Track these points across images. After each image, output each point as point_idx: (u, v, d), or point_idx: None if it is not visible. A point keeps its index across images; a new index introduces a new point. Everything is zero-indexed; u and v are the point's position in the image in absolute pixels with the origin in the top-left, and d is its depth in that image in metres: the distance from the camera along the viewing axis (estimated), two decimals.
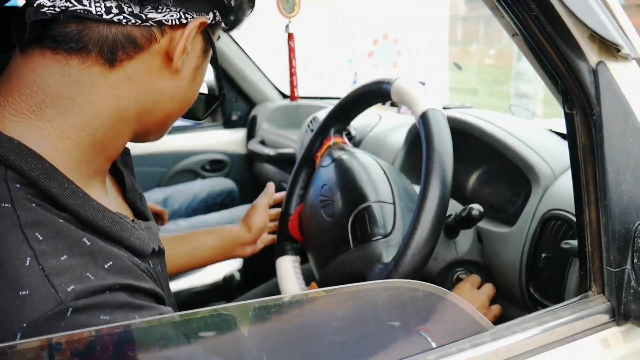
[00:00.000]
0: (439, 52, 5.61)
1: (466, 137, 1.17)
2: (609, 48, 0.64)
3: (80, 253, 0.49)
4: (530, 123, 1.21)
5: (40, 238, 0.48)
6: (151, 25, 0.55)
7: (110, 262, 0.51)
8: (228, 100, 2.25)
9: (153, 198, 1.93)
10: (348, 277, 0.91)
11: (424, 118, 0.89)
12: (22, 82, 0.54)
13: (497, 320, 0.91)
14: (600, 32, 0.61)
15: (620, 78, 0.66)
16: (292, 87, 1.19)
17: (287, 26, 1.14)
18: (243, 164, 2.28)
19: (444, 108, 1.33)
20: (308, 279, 1.15)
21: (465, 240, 1.02)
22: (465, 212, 0.92)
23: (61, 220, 0.50)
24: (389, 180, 1.00)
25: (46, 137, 0.53)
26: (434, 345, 0.70)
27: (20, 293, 0.45)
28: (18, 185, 0.50)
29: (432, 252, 0.82)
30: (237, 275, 1.48)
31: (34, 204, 0.50)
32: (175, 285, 1.43)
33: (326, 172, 1.09)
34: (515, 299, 0.98)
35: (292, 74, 1.18)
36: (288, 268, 1.15)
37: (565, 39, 0.62)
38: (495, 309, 0.94)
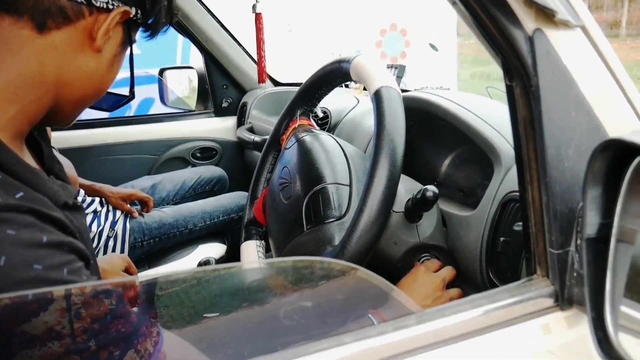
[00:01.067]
0: (447, 42, 5.53)
1: (440, 120, 1.14)
2: (548, 14, 0.60)
3: None
4: (502, 105, 1.17)
5: None
6: (81, 2, 0.60)
7: (22, 193, 0.53)
8: (218, 88, 2.23)
9: (141, 185, 1.92)
10: None
11: (377, 95, 0.86)
12: None
13: None
14: None
15: (561, 47, 0.61)
16: (260, 68, 1.15)
17: (254, 6, 1.11)
18: (234, 152, 2.26)
19: (420, 89, 1.30)
20: None
21: (428, 224, 0.99)
22: (420, 194, 0.88)
23: None
24: (348, 162, 0.97)
25: None
26: (376, 322, 0.68)
27: None
28: None
29: (381, 233, 0.79)
30: (213, 262, 1.46)
31: None
32: (150, 273, 1.42)
33: (288, 154, 1.07)
34: (478, 285, 0.95)
35: (260, 56, 1.15)
36: (252, 253, 1.13)
37: (497, 4, 0.58)
38: (453, 292, 0.91)
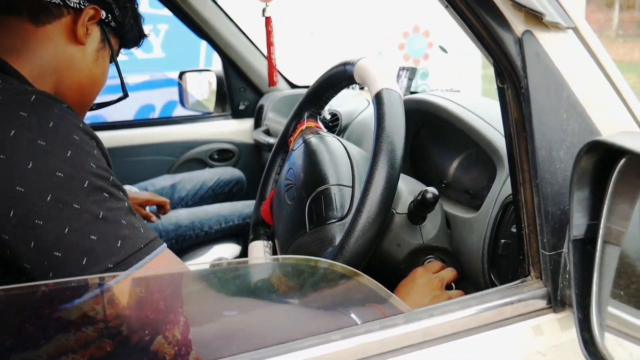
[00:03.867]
0: (471, 43, 5.47)
1: (449, 122, 1.14)
2: (537, 17, 0.60)
3: None
4: None
5: None
6: (58, 3, 0.76)
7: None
8: (236, 90, 2.26)
9: (161, 184, 1.95)
10: None
11: (377, 97, 0.86)
12: None
13: None
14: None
15: (552, 48, 0.62)
16: (271, 71, 1.17)
17: (263, 10, 1.13)
18: (250, 154, 2.29)
19: (430, 91, 1.30)
20: None
21: (431, 226, 0.99)
22: (420, 196, 0.89)
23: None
24: (351, 163, 0.98)
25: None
26: (358, 320, 0.68)
27: None
28: None
29: (379, 234, 0.80)
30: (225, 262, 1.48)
31: None
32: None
33: (294, 156, 1.08)
34: (481, 287, 0.95)
35: (270, 59, 1.17)
36: (259, 253, 1.14)
37: (485, 7, 0.59)
38: (453, 293, 0.90)
